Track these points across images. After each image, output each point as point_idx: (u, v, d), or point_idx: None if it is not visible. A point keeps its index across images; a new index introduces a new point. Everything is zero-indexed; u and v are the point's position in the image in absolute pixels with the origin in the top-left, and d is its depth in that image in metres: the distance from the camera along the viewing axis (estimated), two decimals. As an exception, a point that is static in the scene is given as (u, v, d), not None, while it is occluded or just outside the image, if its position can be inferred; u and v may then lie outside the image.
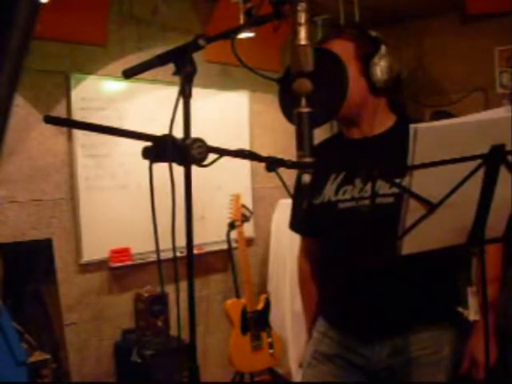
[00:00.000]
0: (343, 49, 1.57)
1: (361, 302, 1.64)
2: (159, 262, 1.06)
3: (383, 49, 1.58)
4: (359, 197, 1.61)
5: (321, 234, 1.77)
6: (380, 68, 1.56)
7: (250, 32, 3.11)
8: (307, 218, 1.78)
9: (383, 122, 1.66)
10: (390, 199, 1.55)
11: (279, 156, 1.15)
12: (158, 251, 1.05)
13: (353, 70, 1.56)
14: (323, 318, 1.78)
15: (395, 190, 1.53)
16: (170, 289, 3.19)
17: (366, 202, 1.59)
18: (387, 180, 1.40)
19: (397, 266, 1.52)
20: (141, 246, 3.29)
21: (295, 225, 1.87)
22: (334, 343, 1.71)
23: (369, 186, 1.59)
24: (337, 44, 1.60)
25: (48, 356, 2.70)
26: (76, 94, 3.10)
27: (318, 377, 1.73)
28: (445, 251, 1.35)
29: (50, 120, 1.00)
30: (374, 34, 1.63)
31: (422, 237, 1.29)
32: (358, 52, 1.59)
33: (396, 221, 1.28)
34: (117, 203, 3.28)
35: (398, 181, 1.46)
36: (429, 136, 1.21)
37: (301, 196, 1.80)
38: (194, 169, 1.06)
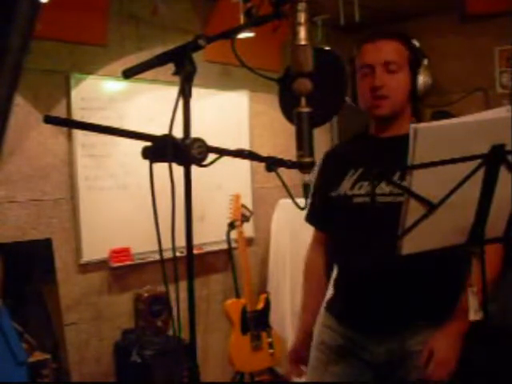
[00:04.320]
0: (399, 51, 1.66)
1: (366, 297, 1.67)
2: (162, 261, 1.06)
3: (426, 61, 1.67)
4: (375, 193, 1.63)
5: (334, 228, 1.81)
6: (423, 79, 1.65)
7: (250, 32, 3.12)
8: (321, 212, 1.84)
9: (407, 124, 1.69)
10: (403, 198, 1.56)
11: (279, 156, 1.15)
12: (160, 251, 1.05)
13: (405, 75, 1.65)
14: (330, 313, 1.81)
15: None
16: (170, 289, 3.17)
17: (381, 198, 1.61)
18: (388, 180, 1.41)
19: (401, 265, 1.53)
20: (141, 246, 3.29)
21: (310, 217, 1.92)
22: (338, 336, 1.74)
23: (384, 183, 1.62)
24: (393, 45, 1.66)
25: (48, 356, 2.70)
26: (76, 93, 3.10)
27: (324, 370, 1.74)
28: (447, 251, 1.35)
29: (50, 120, 1.00)
30: (417, 44, 1.70)
31: (422, 237, 1.29)
32: (411, 58, 1.66)
33: None
34: (117, 203, 3.28)
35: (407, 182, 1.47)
36: (429, 136, 1.21)
37: (317, 190, 1.85)
38: (194, 169, 1.06)
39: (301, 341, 1.90)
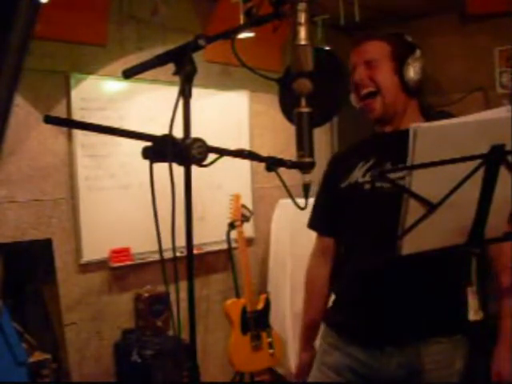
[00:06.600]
0: (379, 48, 1.64)
1: (373, 311, 1.60)
2: (163, 261, 1.06)
3: (418, 52, 1.63)
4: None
5: (343, 223, 1.73)
6: (413, 69, 1.61)
7: (250, 32, 3.12)
8: (327, 212, 1.79)
9: (414, 120, 1.64)
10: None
11: (279, 156, 1.15)
12: (160, 251, 1.05)
13: (387, 69, 1.62)
14: (331, 328, 1.74)
15: None
16: (170, 289, 3.17)
17: (389, 188, 1.54)
18: (387, 179, 1.39)
19: (411, 276, 1.51)
20: (141, 246, 3.29)
21: (313, 222, 1.85)
22: (342, 354, 1.66)
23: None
24: (373, 44, 1.66)
25: (48, 356, 2.70)
26: (76, 93, 3.10)
27: None
28: (446, 251, 1.34)
29: (50, 120, 1.00)
30: (410, 38, 1.68)
31: (422, 237, 1.29)
32: (394, 52, 1.63)
33: None
34: (117, 203, 3.28)
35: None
36: (429, 136, 1.21)
37: (323, 189, 1.82)
38: (194, 169, 1.06)
39: (304, 361, 1.85)
